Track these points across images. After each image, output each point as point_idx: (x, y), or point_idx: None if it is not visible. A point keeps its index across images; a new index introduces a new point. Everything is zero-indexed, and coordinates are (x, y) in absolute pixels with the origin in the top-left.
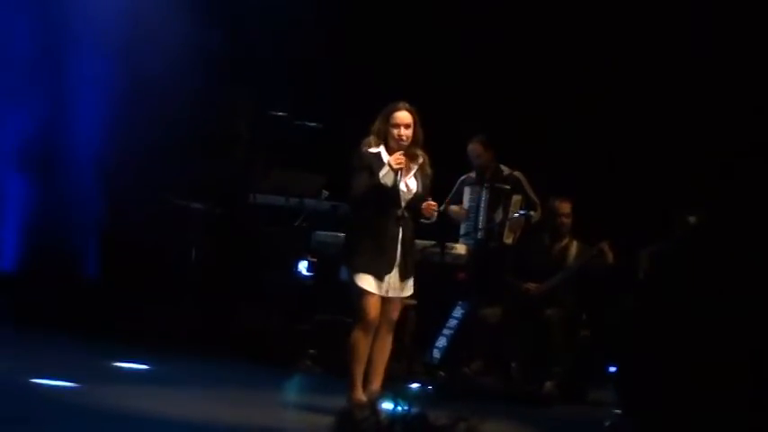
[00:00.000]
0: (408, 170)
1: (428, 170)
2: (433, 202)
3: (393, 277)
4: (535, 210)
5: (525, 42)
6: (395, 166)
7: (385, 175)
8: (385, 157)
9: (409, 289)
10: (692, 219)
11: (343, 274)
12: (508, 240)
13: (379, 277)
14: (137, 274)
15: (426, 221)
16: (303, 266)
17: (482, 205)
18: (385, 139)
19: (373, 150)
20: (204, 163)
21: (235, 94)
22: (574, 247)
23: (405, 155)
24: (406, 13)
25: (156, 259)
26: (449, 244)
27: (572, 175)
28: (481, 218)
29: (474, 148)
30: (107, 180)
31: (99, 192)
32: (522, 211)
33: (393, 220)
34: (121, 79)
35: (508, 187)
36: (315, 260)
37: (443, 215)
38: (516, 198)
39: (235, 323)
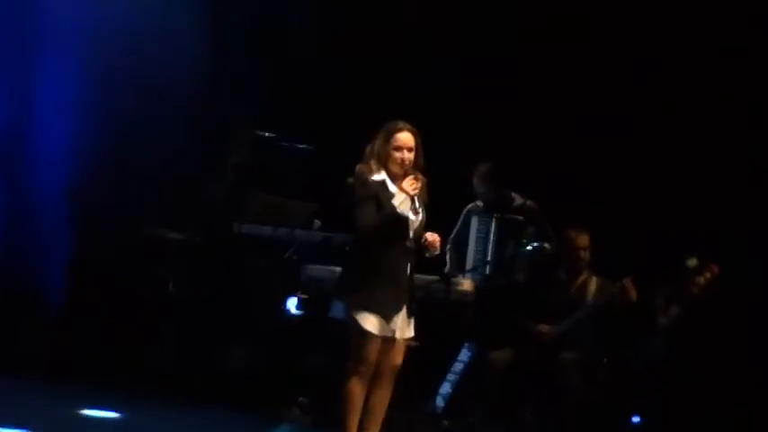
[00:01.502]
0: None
1: (425, 196)
2: (437, 235)
3: (399, 317)
4: (550, 242)
5: (540, 58)
6: (411, 192)
7: (402, 203)
8: (390, 184)
9: (412, 329)
10: (691, 262)
11: (339, 311)
12: (520, 276)
13: (386, 317)
14: (107, 309)
15: (429, 255)
16: (292, 303)
17: (491, 237)
18: (384, 164)
19: (376, 178)
20: (184, 187)
21: (220, 110)
22: (593, 284)
23: (415, 179)
24: (403, 27)
25: (130, 292)
26: (454, 279)
27: (590, 204)
28: (490, 251)
29: (479, 179)
30: (76, 202)
31: (66, 215)
32: (535, 244)
33: (402, 252)
34: (93, 92)
35: (521, 218)
36: (305, 296)
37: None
38: (530, 230)
39: (216, 365)
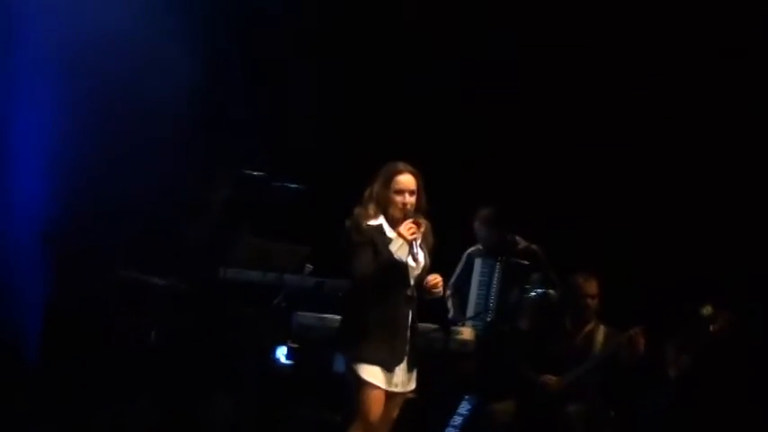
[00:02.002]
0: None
1: (430, 239)
2: (438, 277)
3: (402, 369)
4: (555, 289)
5: (541, 99)
6: (409, 237)
7: (399, 249)
8: (387, 229)
9: (414, 382)
10: (705, 310)
11: (340, 365)
12: (524, 324)
13: (389, 369)
14: (85, 361)
15: (430, 297)
16: (282, 353)
17: (495, 283)
18: (384, 208)
19: (373, 223)
20: (167, 230)
21: (207, 147)
22: (600, 333)
23: (414, 222)
24: (401, 59)
25: (109, 343)
26: (454, 328)
27: (598, 249)
28: (493, 297)
29: (481, 223)
30: (52, 246)
31: (41, 260)
32: (539, 290)
33: (402, 300)
34: (71, 128)
35: (526, 263)
36: (296, 346)
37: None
38: (535, 276)
39: (200, 419)
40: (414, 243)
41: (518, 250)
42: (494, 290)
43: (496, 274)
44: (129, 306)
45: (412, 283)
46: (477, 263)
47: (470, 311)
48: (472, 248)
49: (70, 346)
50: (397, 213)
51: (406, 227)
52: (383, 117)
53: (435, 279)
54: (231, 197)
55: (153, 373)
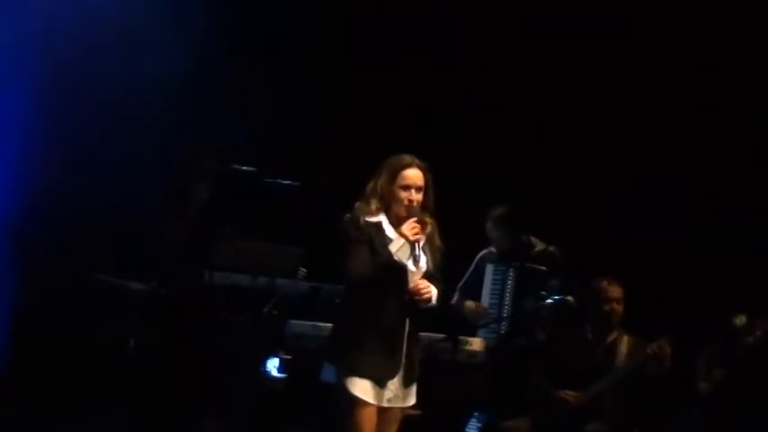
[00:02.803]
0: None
1: (438, 242)
2: (423, 282)
3: (396, 383)
4: (575, 295)
5: (561, 93)
6: (411, 238)
7: (399, 250)
8: (387, 228)
9: (412, 397)
10: (739, 320)
11: (329, 375)
12: (540, 335)
13: (380, 382)
14: (58, 372)
15: (424, 306)
16: (273, 365)
17: (508, 289)
18: (387, 204)
19: (371, 219)
20: (148, 230)
21: (191, 139)
22: (624, 344)
23: (419, 222)
24: (406, 45)
25: (84, 353)
26: (462, 338)
27: (621, 252)
28: (506, 305)
29: (495, 224)
30: (21, 249)
31: (10, 264)
32: (557, 297)
33: (399, 307)
34: (41, 118)
35: (543, 268)
36: (288, 357)
37: (454, 309)
38: (553, 282)
39: None
40: (416, 245)
41: (534, 253)
42: (507, 298)
43: (510, 281)
44: (104, 313)
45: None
46: (489, 269)
47: (481, 322)
48: (484, 252)
49: (40, 355)
50: (401, 211)
51: (409, 226)
52: (387, 106)
53: (419, 285)
54: (218, 194)
55: (131, 387)
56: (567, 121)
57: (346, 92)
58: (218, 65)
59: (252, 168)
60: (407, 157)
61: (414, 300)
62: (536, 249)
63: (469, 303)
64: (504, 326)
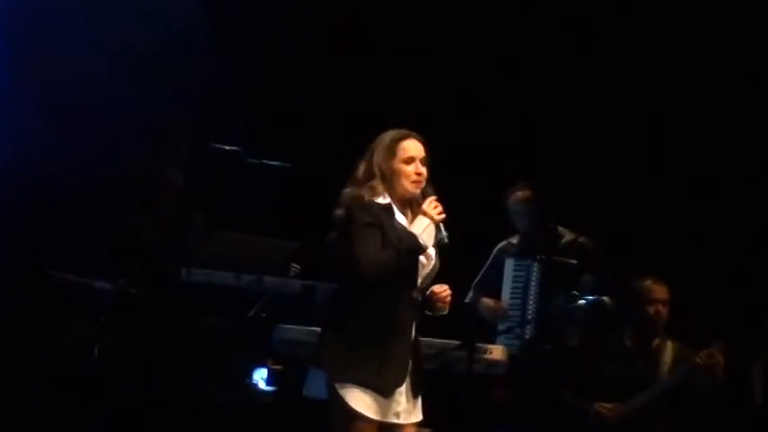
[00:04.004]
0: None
1: (441, 231)
2: (447, 287)
3: (402, 395)
4: (611, 295)
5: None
6: (437, 217)
7: (426, 232)
8: (396, 212)
9: (419, 411)
10: None
11: (316, 387)
12: (572, 341)
13: (384, 394)
14: (13, 383)
15: (433, 314)
16: (261, 376)
17: (532, 287)
18: (391, 184)
19: (380, 201)
20: (115, 221)
21: (164, 117)
22: (668, 351)
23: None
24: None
25: (42, 360)
26: (480, 345)
27: (666, 246)
28: (530, 307)
29: (519, 201)
30: None
31: None
32: (591, 297)
33: (407, 306)
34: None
35: (574, 262)
36: (278, 367)
37: (469, 309)
38: (586, 278)
39: None
40: (441, 226)
41: (562, 245)
42: (532, 297)
43: (535, 277)
44: (64, 317)
45: (419, 284)
46: (509, 263)
47: (501, 326)
48: (502, 243)
49: None
50: (410, 189)
51: (432, 204)
52: (384, 79)
53: (444, 289)
54: (196, 179)
55: (94, 402)
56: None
57: (344, 57)
58: (193, 29)
59: (234, 148)
60: (403, 130)
61: (433, 305)
62: (564, 240)
63: (487, 301)
64: (528, 330)
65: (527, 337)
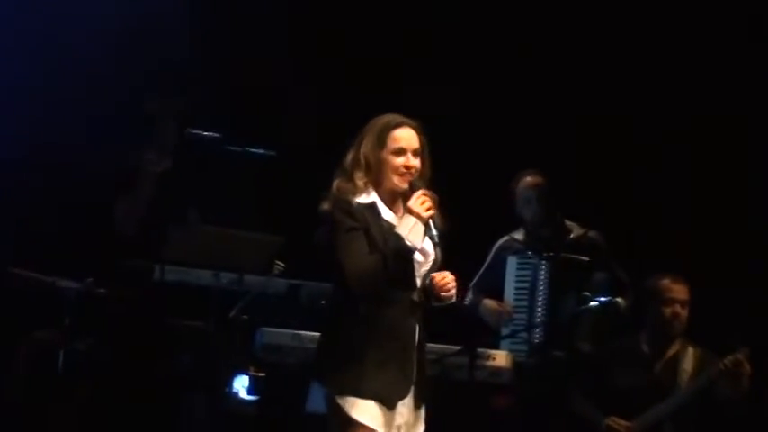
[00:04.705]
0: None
1: (431, 229)
2: (448, 273)
3: (405, 406)
4: (624, 295)
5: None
6: (425, 215)
7: (412, 232)
8: (383, 209)
9: (422, 423)
10: None
11: (317, 402)
12: (585, 346)
13: (390, 405)
14: None
15: (438, 304)
16: (242, 384)
17: (540, 288)
18: (377, 177)
19: (363, 200)
20: (81, 214)
21: (137, 100)
22: (689, 358)
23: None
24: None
25: (2, 367)
26: (482, 350)
27: (685, 239)
28: (539, 309)
29: (529, 186)
30: None
31: None
32: (602, 298)
33: (407, 309)
34: None
35: (586, 258)
36: (261, 375)
37: (470, 311)
38: (599, 276)
39: None
40: (430, 223)
41: (570, 240)
42: (540, 298)
43: (543, 276)
44: (26, 319)
45: (419, 283)
46: (512, 262)
47: (506, 330)
48: (503, 240)
49: None
50: (397, 183)
51: (420, 200)
52: (382, 54)
53: (444, 277)
54: (171, 167)
55: (60, 413)
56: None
57: (336, 35)
58: (173, 8)
59: (213, 134)
60: (397, 116)
61: (436, 296)
62: (572, 235)
63: (489, 303)
64: (537, 334)
65: (535, 341)
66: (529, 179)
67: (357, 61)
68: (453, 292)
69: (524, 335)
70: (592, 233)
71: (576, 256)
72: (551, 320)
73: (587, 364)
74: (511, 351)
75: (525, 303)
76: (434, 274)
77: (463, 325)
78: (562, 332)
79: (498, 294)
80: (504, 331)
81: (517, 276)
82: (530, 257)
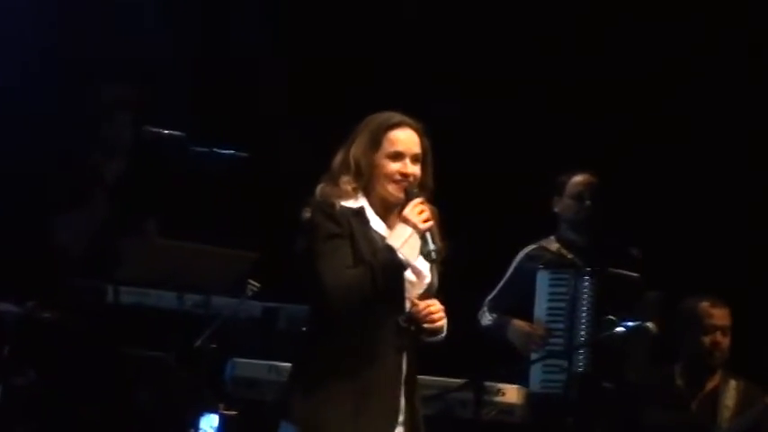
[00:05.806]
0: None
1: (429, 243)
2: (435, 301)
3: None
4: (656, 319)
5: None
6: (421, 226)
7: (406, 244)
8: (372, 217)
9: None
10: None
11: None
12: (632, 375)
13: None
14: None
15: (432, 339)
16: (209, 425)
17: (584, 308)
18: (368, 183)
19: (350, 205)
20: (24, 228)
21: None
22: (731, 392)
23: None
24: None
25: None
26: (490, 384)
27: (727, 259)
28: (583, 331)
29: (581, 184)
30: None
31: None
32: (631, 323)
33: (392, 336)
34: None
35: (636, 275)
36: (232, 412)
37: (491, 333)
38: (651, 296)
39: None
40: (427, 236)
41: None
42: (584, 320)
43: (586, 294)
44: None
45: (408, 308)
46: (543, 277)
47: (535, 354)
48: (531, 248)
49: None
50: (391, 191)
51: (417, 209)
52: (372, 49)
53: (429, 305)
54: (125, 171)
55: None
56: None
57: (322, 24)
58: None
59: (176, 132)
60: (396, 115)
61: (420, 327)
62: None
63: (519, 324)
64: (580, 361)
65: (578, 370)
66: (579, 177)
67: (336, 59)
68: (441, 324)
69: (562, 362)
70: (633, 250)
71: (628, 272)
72: (597, 346)
73: (612, 400)
74: (545, 382)
75: (561, 326)
76: (416, 300)
77: (467, 353)
78: (612, 360)
79: (522, 312)
80: (535, 356)
81: (550, 294)
82: (564, 275)
